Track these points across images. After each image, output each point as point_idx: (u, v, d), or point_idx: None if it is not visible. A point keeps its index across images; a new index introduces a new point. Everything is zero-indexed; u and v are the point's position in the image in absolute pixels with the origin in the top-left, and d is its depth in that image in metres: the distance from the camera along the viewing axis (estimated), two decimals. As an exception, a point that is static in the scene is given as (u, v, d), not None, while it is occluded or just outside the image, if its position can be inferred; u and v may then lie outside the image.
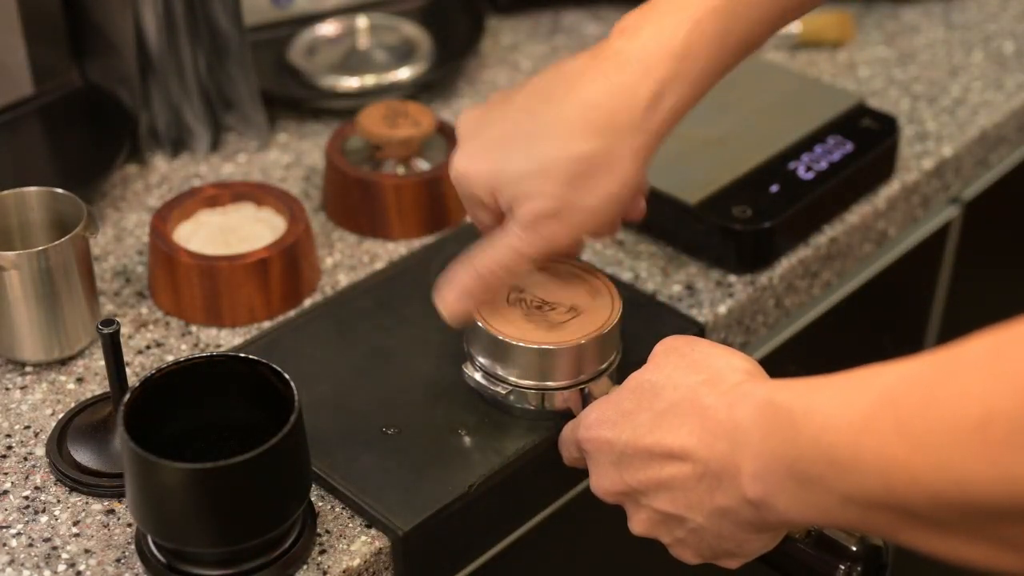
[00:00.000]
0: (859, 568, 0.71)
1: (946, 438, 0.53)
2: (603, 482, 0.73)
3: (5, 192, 0.90)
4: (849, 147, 1.04)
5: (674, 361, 0.72)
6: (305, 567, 0.76)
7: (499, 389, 0.83)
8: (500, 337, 0.81)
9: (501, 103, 0.82)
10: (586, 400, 0.81)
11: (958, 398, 0.53)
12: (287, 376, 0.73)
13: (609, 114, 0.77)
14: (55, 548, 0.77)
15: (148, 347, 0.91)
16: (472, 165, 0.80)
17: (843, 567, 0.71)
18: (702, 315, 0.94)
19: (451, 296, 0.82)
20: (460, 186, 0.82)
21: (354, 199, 1.01)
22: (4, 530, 0.78)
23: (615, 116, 0.77)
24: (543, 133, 0.78)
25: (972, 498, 0.53)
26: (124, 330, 0.92)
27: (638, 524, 0.72)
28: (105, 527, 0.78)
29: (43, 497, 0.80)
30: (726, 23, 0.77)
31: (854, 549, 0.71)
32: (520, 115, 0.80)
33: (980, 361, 0.54)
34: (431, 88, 1.18)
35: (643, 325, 0.88)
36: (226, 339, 0.92)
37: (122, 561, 0.76)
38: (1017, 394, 0.51)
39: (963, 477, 0.53)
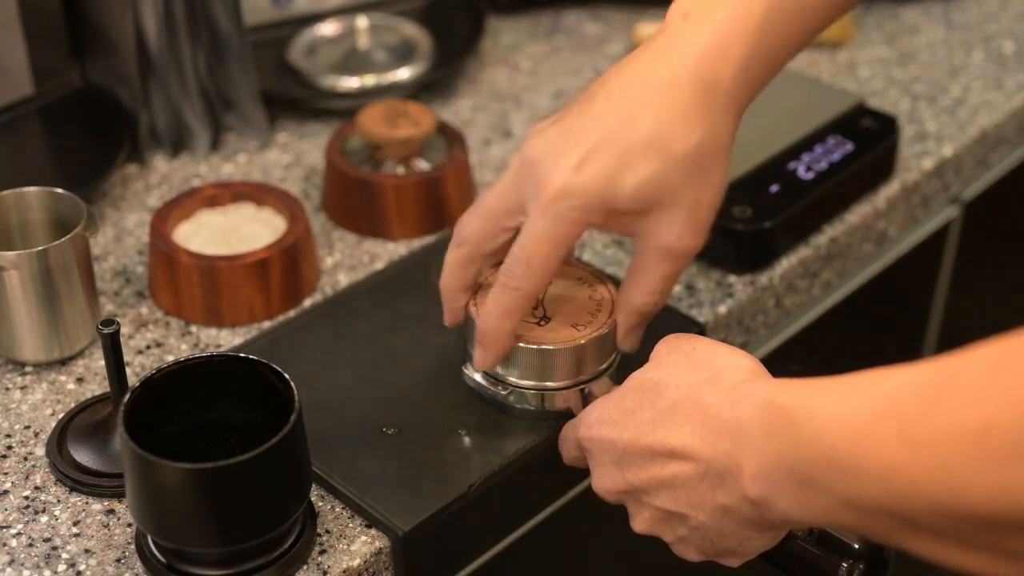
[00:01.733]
0: (861, 566, 0.71)
1: (946, 447, 0.53)
2: (605, 481, 0.73)
3: (5, 192, 0.90)
4: (849, 147, 1.04)
5: (676, 359, 0.72)
6: (305, 567, 0.76)
7: (499, 389, 0.83)
8: None
9: (575, 113, 0.76)
10: (586, 400, 0.81)
11: (959, 408, 0.53)
12: (287, 376, 0.73)
13: (702, 97, 0.74)
14: (55, 548, 0.77)
15: (148, 347, 0.91)
16: (582, 177, 0.73)
17: (845, 565, 0.71)
18: (702, 315, 0.94)
19: (629, 343, 0.81)
20: (565, 202, 0.73)
21: (354, 199, 1.01)
22: (4, 530, 0.78)
23: (708, 99, 0.74)
24: (647, 133, 0.73)
25: (971, 508, 0.53)
26: (124, 330, 0.92)
27: (640, 523, 0.72)
28: (105, 527, 0.78)
29: (43, 497, 0.80)
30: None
31: (856, 547, 0.71)
32: (609, 118, 0.74)
33: (982, 371, 0.54)
34: (431, 88, 1.18)
35: (643, 325, 0.88)
36: (226, 339, 0.92)
37: (122, 561, 0.76)
38: (1018, 406, 0.51)
39: (962, 487, 0.53)
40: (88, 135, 1.09)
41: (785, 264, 0.99)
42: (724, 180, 0.77)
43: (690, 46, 0.75)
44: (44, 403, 0.87)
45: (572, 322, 0.82)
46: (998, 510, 0.52)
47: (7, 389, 0.88)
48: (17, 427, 0.85)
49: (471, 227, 0.79)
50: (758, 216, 0.97)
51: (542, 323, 0.82)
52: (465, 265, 0.80)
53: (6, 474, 0.82)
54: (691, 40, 0.75)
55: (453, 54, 1.19)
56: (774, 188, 1.00)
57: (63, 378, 0.89)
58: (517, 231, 0.77)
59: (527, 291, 0.76)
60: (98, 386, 0.88)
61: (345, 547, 0.77)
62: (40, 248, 0.86)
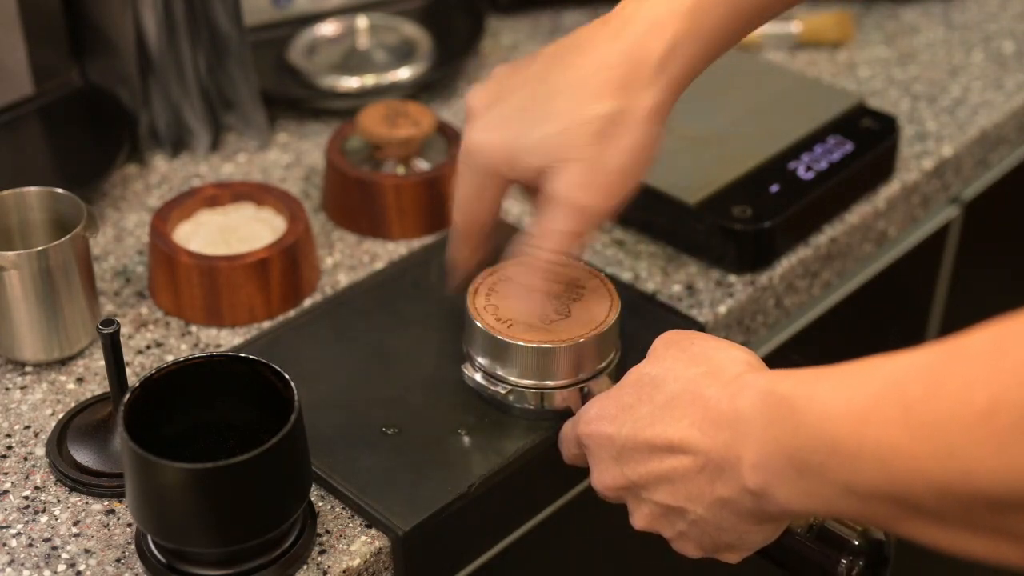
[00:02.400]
0: (861, 562, 0.71)
1: (951, 427, 0.53)
2: (604, 477, 0.73)
3: (5, 192, 0.90)
4: (849, 147, 1.04)
5: (674, 354, 0.72)
6: (305, 567, 0.76)
7: (499, 389, 0.83)
8: (499, 337, 0.81)
9: (511, 75, 0.82)
10: (586, 399, 0.81)
11: (963, 387, 0.53)
12: (287, 376, 0.73)
13: (624, 73, 0.77)
14: (55, 548, 0.77)
15: (148, 347, 0.91)
16: (489, 135, 0.80)
17: (845, 561, 0.71)
18: (702, 315, 0.94)
19: (524, 305, 0.82)
20: (476, 158, 0.80)
21: (354, 199, 1.01)
22: (4, 530, 0.78)
23: (630, 74, 0.77)
24: (560, 97, 0.78)
25: (976, 488, 0.53)
26: (124, 330, 0.92)
27: (640, 519, 0.72)
28: (105, 527, 0.78)
29: (43, 497, 0.80)
30: None
31: (856, 543, 0.71)
32: (534, 83, 0.79)
33: (985, 351, 0.54)
34: (431, 88, 1.18)
35: (643, 325, 0.88)
36: (226, 339, 0.92)
37: (122, 561, 0.76)
38: (1023, 383, 0.51)
39: (968, 467, 0.53)
40: (88, 135, 1.09)
41: (785, 264, 0.99)
42: (637, 147, 0.78)
43: (629, 21, 0.78)
44: (44, 403, 0.87)
45: (571, 321, 0.82)
46: (1005, 490, 0.52)
47: (7, 389, 0.88)
48: (17, 427, 0.85)
49: None
50: (758, 216, 0.97)
51: (541, 320, 0.82)
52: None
53: (6, 474, 0.82)
54: (631, 15, 0.78)
55: (453, 54, 1.19)
56: (774, 188, 1.00)
57: (63, 378, 0.89)
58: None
59: (460, 229, 0.83)
60: (98, 386, 0.88)
61: (345, 547, 0.77)
62: (40, 248, 0.86)
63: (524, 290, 0.81)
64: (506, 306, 0.83)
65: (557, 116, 0.77)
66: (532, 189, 0.81)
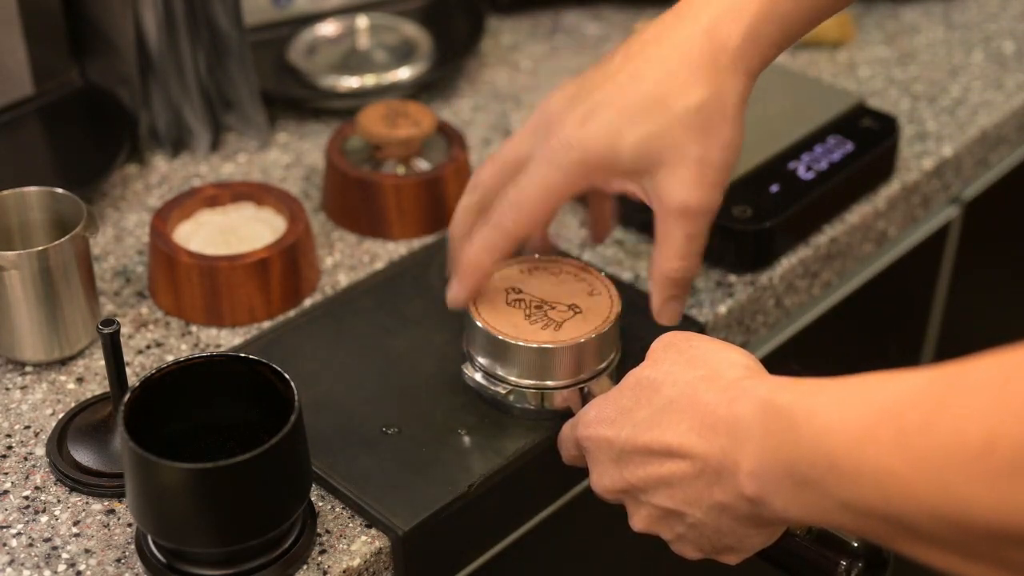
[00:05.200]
0: (860, 564, 0.71)
1: (948, 460, 0.53)
2: (603, 480, 0.73)
3: (5, 192, 0.90)
4: (849, 147, 1.04)
5: (672, 357, 0.72)
6: (305, 567, 0.76)
7: (499, 389, 0.83)
8: (500, 337, 0.81)
9: (594, 70, 0.79)
10: (586, 399, 0.81)
11: (962, 420, 0.53)
12: (287, 376, 0.73)
13: (708, 60, 0.76)
14: (55, 548, 0.77)
15: (148, 347, 0.91)
16: (586, 131, 0.76)
17: (844, 563, 0.71)
18: (702, 315, 0.94)
19: (666, 315, 0.81)
20: (574, 153, 0.77)
21: (354, 199, 1.01)
22: (4, 530, 0.78)
23: (714, 61, 0.76)
24: (650, 91, 0.76)
25: (972, 520, 0.52)
26: (124, 330, 0.92)
27: (639, 521, 0.72)
28: (105, 527, 0.78)
29: (43, 497, 0.80)
30: None
31: (855, 545, 0.71)
32: (620, 79, 0.77)
33: (987, 383, 0.53)
34: (431, 88, 1.18)
35: (643, 325, 0.88)
36: (226, 339, 0.92)
37: (122, 561, 0.76)
38: (1023, 420, 0.51)
39: (964, 499, 0.52)
40: (88, 135, 1.09)
41: (785, 264, 0.99)
42: (734, 139, 0.77)
43: (704, 9, 0.77)
44: (44, 403, 0.87)
45: (571, 321, 0.82)
46: (1001, 524, 0.52)
47: (7, 389, 0.88)
48: (17, 427, 0.85)
49: (485, 173, 0.82)
50: (758, 216, 0.97)
51: (542, 320, 0.82)
52: (475, 211, 0.82)
53: (6, 474, 0.82)
54: (706, 4, 0.77)
55: (453, 54, 1.19)
56: (774, 188, 1.00)
57: (63, 378, 0.89)
58: None
59: (511, 231, 0.79)
60: (98, 386, 0.88)
61: (345, 547, 0.77)
62: (40, 248, 0.86)
63: (670, 300, 0.81)
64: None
65: (652, 113, 0.76)
66: (620, 186, 0.79)
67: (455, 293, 0.83)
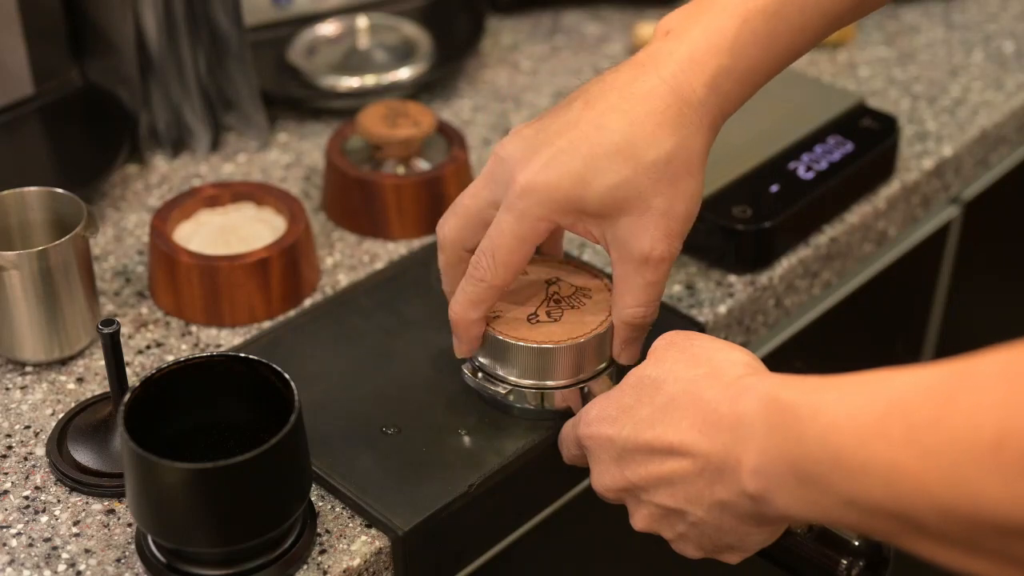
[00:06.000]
0: (861, 563, 0.71)
1: (958, 454, 0.53)
2: (604, 479, 0.73)
3: (5, 192, 0.90)
4: (849, 147, 1.04)
5: (674, 355, 0.72)
6: (305, 567, 0.76)
7: (499, 389, 0.83)
8: (499, 337, 0.81)
9: (551, 116, 0.78)
10: (586, 399, 0.81)
11: (972, 414, 0.53)
12: (287, 376, 0.73)
13: (674, 112, 0.76)
14: (55, 548, 0.77)
15: (148, 347, 0.91)
16: (548, 176, 0.75)
17: (845, 562, 0.71)
18: (702, 315, 0.94)
19: (626, 356, 0.82)
20: (536, 196, 0.76)
21: (354, 199, 1.01)
22: (4, 530, 0.78)
23: (679, 113, 0.76)
24: (615, 141, 0.75)
25: (982, 515, 0.52)
26: (124, 330, 0.92)
27: (640, 520, 0.72)
28: (105, 527, 0.78)
29: (43, 497, 0.80)
30: (774, 24, 0.77)
31: (856, 544, 0.71)
32: (581, 126, 0.76)
33: (996, 376, 0.53)
34: (431, 88, 1.18)
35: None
36: (226, 339, 0.92)
37: (122, 561, 0.76)
38: None
39: (974, 494, 0.52)
40: (88, 135, 1.09)
41: (785, 264, 0.99)
42: (697, 191, 0.78)
43: (667, 61, 0.77)
44: (44, 403, 0.87)
45: (571, 321, 0.82)
46: (1011, 518, 0.52)
47: (7, 389, 0.88)
48: (17, 427, 0.85)
49: (448, 226, 0.82)
50: (758, 216, 0.97)
51: (542, 320, 0.82)
52: (454, 265, 0.82)
53: (6, 474, 0.82)
54: (669, 55, 0.77)
55: (453, 54, 1.19)
56: (774, 188, 1.00)
57: (63, 378, 0.89)
58: None
59: (491, 283, 0.79)
60: (98, 386, 0.88)
61: (345, 547, 0.77)
62: (40, 248, 0.86)
63: (627, 345, 0.81)
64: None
65: (618, 162, 0.75)
66: (584, 232, 0.79)
67: (458, 349, 0.83)
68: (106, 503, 0.80)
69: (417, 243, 1.00)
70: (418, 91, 1.17)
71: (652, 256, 0.77)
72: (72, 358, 0.90)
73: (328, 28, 1.21)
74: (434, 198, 1.01)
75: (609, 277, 0.87)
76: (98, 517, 0.79)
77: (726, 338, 0.95)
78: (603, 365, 0.83)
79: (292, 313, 0.94)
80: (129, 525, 0.78)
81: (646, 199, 0.76)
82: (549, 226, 0.77)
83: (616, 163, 0.75)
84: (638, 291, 0.78)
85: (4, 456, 0.83)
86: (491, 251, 0.78)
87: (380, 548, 0.77)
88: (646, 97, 0.76)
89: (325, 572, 0.76)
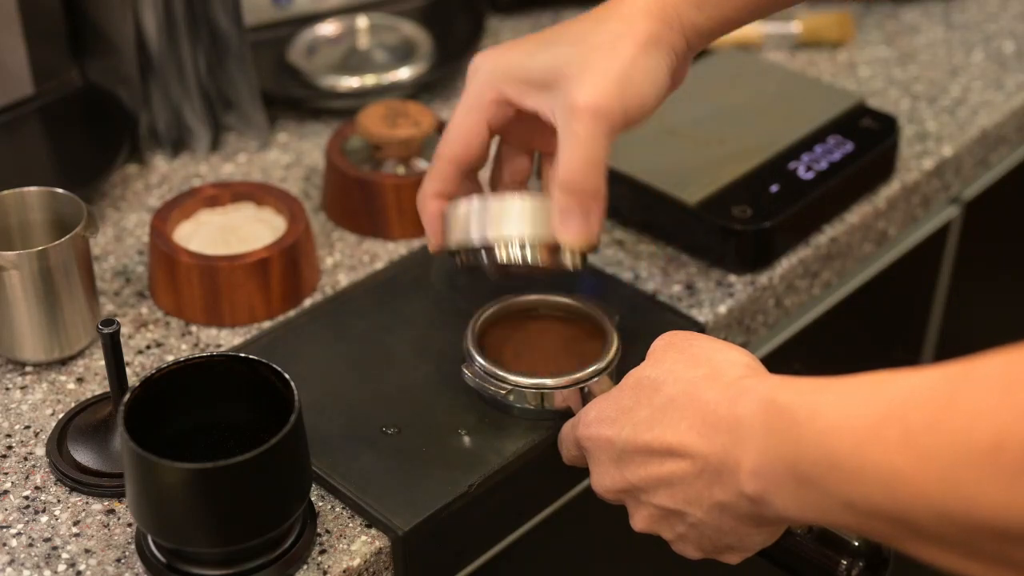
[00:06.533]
0: (861, 563, 0.71)
1: (956, 458, 0.53)
2: (604, 480, 0.73)
3: (5, 192, 0.90)
4: (849, 147, 1.04)
5: (673, 356, 0.72)
6: (305, 567, 0.76)
7: (499, 389, 0.83)
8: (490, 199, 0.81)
9: (517, 40, 0.83)
10: (586, 399, 0.81)
11: (970, 418, 0.53)
12: (287, 376, 0.73)
13: (626, 12, 0.79)
14: (55, 548, 0.77)
15: (148, 347, 0.91)
16: (498, 52, 0.81)
17: (845, 562, 0.71)
18: (702, 315, 0.94)
19: (565, 232, 0.79)
20: (483, 66, 0.81)
21: (354, 199, 1.01)
22: (4, 530, 0.78)
23: (629, 14, 0.79)
24: (574, 28, 0.80)
25: (979, 519, 0.52)
26: (124, 330, 0.92)
27: (639, 521, 0.72)
28: (105, 527, 0.78)
29: (43, 497, 0.80)
30: None
31: (856, 544, 0.71)
32: (555, 27, 0.82)
33: (994, 381, 0.53)
34: (431, 88, 1.18)
35: (643, 325, 0.88)
36: (226, 339, 0.92)
37: (122, 561, 0.76)
38: None
39: (972, 498, 0.52)
40: (88, 135, 1.09)
41: (785, 264, 0.99)
42: (635, 58, 0.78)
43: None
44: (44, 403, 0.87)
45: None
46: (1008, 523, 0.52)
47: (7, 389, 0.88)
48: (17, 427, 0.85)
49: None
50: (758, 216, 0.97)
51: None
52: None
53: (6, 474, 0.82)
54: None
55: (453, 54, 1.19)
56: (774, 188, 1.00)
57: (63, 378, 0.89)
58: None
59: (445, 154, 0.83)
60: (98, 386, 0.88)
61: (345, 547, 0.77)
62: (40, 248, 0.86)
63: (574, 216, 0.79)
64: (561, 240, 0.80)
65: (566, 41, 0.79)
66: (529, 100, 0.81)
67: (428, 240, 0.85)
68: (106, 503, 0.80)
69: (417, 243, 1.00)
70: (418, 91, 1.17)
71: (578, 104, 0.77)
72: (72, 358, 0.90)
73: (328, 28, 1.21)
74: (434, 198, 1.00)
75: (609, 277, 0.87)
76: (98, 517, 0.79)
77: (726, 338, 0.96)
78: (603, 365, 0.83)
79: (292, 313, 0.94)
80: (129, 525, 0.78)
81: (587, 66, 0.78)
82: (496, 96, 0.81)
83: (564, 41, 0.79)
84: (568, 149, 0.77)
85: (4, 456, 0.83)
86: (446, 127, 0.83)
87: (380, 548, 0.77)
88: (623, 11, 0.79)
89: (325, 572, 0.76)
